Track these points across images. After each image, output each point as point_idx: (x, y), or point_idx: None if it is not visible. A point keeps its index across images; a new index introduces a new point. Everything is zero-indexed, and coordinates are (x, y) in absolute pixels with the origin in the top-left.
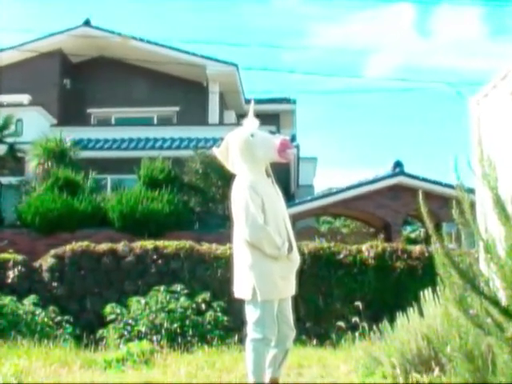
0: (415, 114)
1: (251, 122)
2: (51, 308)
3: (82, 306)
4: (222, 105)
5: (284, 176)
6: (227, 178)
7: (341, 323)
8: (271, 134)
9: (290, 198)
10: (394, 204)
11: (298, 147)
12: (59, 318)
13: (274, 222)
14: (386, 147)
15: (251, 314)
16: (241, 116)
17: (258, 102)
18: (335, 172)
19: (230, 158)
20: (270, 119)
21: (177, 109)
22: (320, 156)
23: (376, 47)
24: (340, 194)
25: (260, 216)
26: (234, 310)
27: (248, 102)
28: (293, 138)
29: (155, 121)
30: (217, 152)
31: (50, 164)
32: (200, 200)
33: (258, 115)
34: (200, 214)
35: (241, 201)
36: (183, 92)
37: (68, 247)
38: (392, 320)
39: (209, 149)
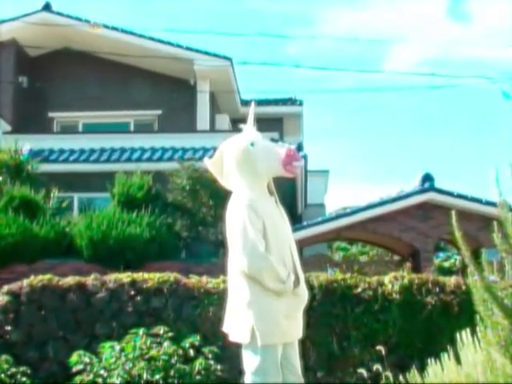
0: (447, 116)
1: (251, 128)
2: (4, 357)
3: (42, 354)
4: (213, 107)
5: (289, 193)
6: (221, 197)
7: (360, 371)
8: (274, 143)
9: (296, 219)
10: (423, 226)
11: (305, 158)
12: (14, 369)
13: (277, 250)
14: (413, 157)
15: (250, 361)
16: (236, 121)
17: (258, 103)
18: (351, 188)
19: (224, 172)
20: (271, 124)
21: (158, 112)
22: (332, 169)
23: (398, 36)
24: (357, 215)
25: (261, 242)
26: (230, 357)
27: (245, 103)
28: (299, 147)
29: (132, 127)
30: (208, 164)
31: (2, 180)
32: (187, 223)
33: (257, 119)
34: (188, 240)
35: (237, 224)
36: (166, 92)
37: (25, 282)
38: (422, 368)
39: (198, 161)
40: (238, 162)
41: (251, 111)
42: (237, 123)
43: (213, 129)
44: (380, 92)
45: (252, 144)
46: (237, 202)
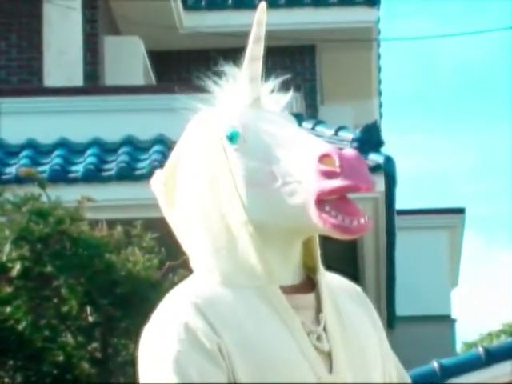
0: None
1: (249, 82)
2: None
3: None
4: (96, 17)
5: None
6: (139, 285)
7: None
8: (302, 129)
9: None
10: None
11: (390, 170)
12: None
13: None
14: None
15: None
16: (167, 56)
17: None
18: None
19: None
20: (282, 65)
21: None
22: (470, 204)
23: None
24: None
25: None
26: None
27: (198, 5)
28: (374, 140)
29: None
30: (156, 187)
31: None
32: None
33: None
34: None
35: (152, 372)
36: None
37: None
38: None
39: (47, 182)
40: (199, 187)
41: (258, 18)
42: (171, 67)
43: (99, 84)
44: None
45: (232, 136)
46: (169, 305)
